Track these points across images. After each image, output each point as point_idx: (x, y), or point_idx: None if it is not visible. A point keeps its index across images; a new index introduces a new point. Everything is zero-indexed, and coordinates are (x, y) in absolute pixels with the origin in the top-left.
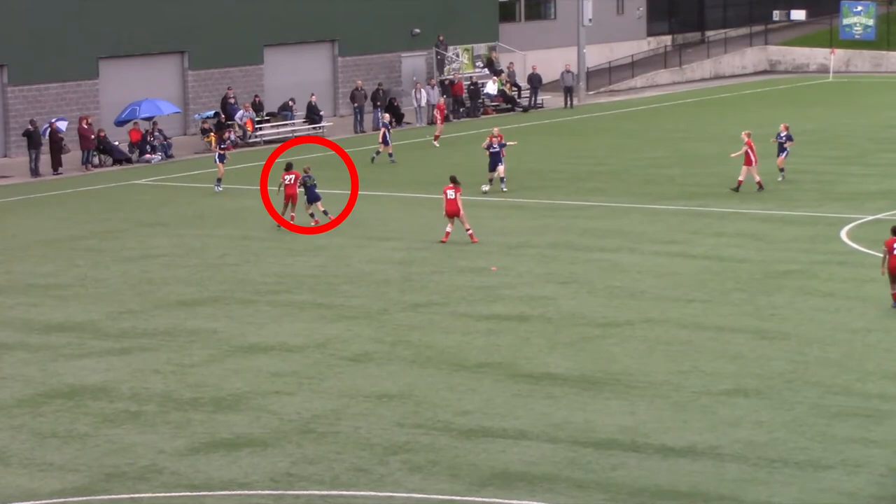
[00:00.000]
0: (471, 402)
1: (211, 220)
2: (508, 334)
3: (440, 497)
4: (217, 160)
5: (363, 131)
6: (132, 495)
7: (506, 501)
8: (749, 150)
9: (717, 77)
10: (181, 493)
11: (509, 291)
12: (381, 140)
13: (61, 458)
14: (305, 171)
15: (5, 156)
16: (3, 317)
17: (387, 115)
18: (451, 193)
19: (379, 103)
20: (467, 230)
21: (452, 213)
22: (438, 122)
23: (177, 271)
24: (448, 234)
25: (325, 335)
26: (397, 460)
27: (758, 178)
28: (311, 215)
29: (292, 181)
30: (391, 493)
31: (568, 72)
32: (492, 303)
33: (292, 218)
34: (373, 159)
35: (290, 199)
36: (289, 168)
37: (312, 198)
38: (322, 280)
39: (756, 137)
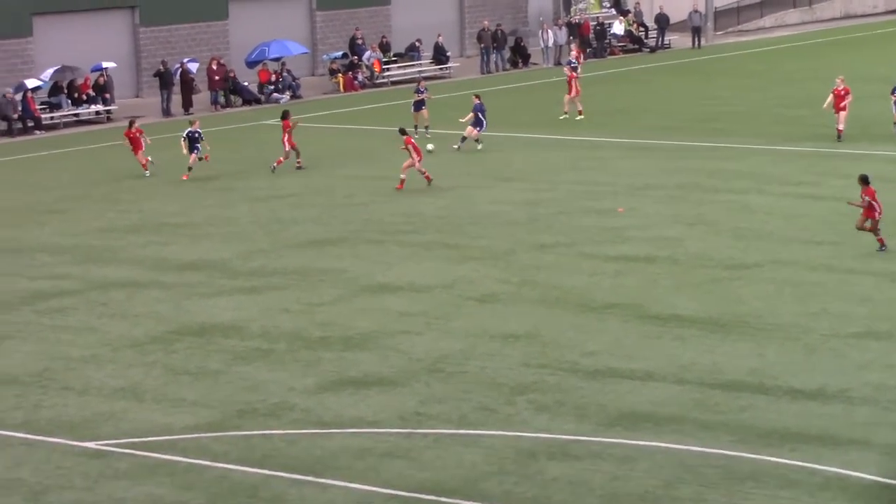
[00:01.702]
0: (597, 343)
1: (338, 159)
2: (635, 275)
3: (567, 437)
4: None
5: (489, 72)
6: (263, 431)
7: (632, 442)
8: (838, 97)
9: (847, 17)
10: (311, 430)
11: (636, 233)
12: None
13: (194, 394)
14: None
15: (137, 96)
16: (135, 255)
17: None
18: None
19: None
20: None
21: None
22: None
23: (305, 211)
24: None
25: (452, 275)
26: (524, 400)
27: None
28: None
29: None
30: (518, 433)
31: (696, 12)
32: (618, 244)
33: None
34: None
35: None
36: None
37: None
38: (448, 221)
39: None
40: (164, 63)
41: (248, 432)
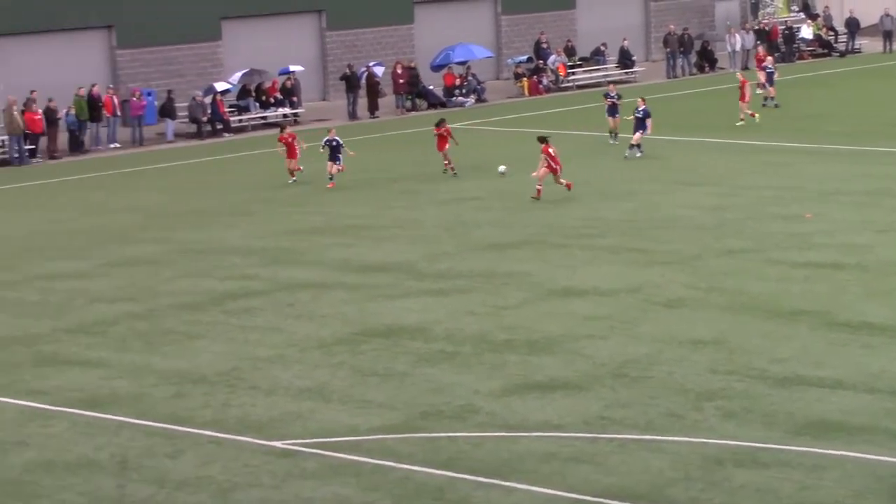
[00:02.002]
0: (786, 350)
1: (521, 163)
2: (824, 282)
3: (754, 444)
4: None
5: (675, 76)
6: (449, 434)
7: (822, 451)
8: None
9: None
10: (496, 433)
11: (824, 239)
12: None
13: (380, 395)
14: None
15: (324, 99)
16: (321, 256)
17: (769, 59)
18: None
19: (682, 48)
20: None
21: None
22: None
23: (489, 214)
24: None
25: (637, 280)
26: (711, 406)
27: None
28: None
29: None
30: (705, 439)
31: (887, 16)
32: (806, 250)
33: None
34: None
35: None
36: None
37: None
38: (633, 225)
39: None
40: (350, 67)
41: (433, 434)
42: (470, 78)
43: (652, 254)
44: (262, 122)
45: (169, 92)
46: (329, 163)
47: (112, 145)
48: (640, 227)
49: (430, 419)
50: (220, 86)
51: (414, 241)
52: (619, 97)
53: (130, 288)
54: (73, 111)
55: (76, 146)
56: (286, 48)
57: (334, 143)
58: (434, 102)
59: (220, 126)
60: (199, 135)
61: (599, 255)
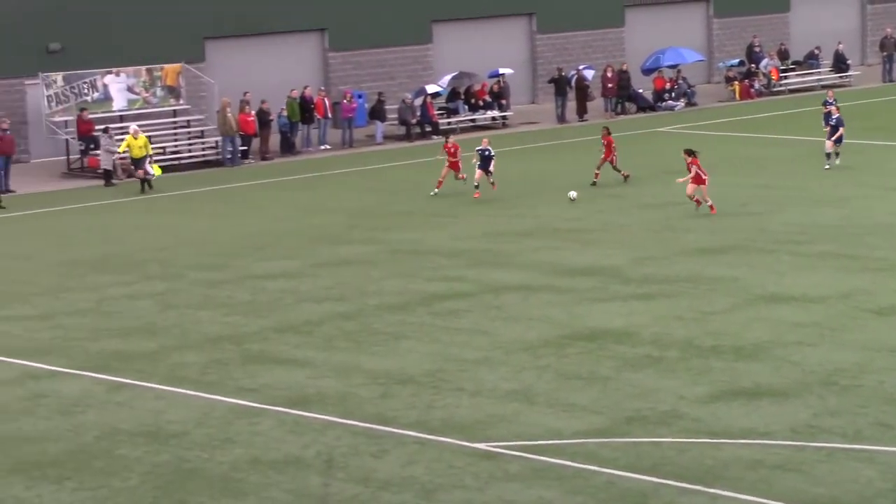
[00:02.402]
0: None
1: (732, 168)
2: None
3: None
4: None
5: (892, 80)
6: (653, 439)
7: None
8: None
9: None
10: (701, 440)
11: None
12: None
13: (584, 399)
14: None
15: (533, 102)
16: (529, 259)
17: None
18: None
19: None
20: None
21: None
22: None
23: (697, 219)
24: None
25: (848, 286)
26: None
27: None
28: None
29: None
30: None
31: None
32: None
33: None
34: None
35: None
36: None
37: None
38: (844, 231)
39: None
40: (559, 70)
41: (637, 439)
42: (680, 81)
43: (863, 260)
44: (471, 124)
45: (379, 94)
46: (479, 171)
47: (323, 147)
48: (850, 233)
49: (635, 424)
50: (430, 88)
51: (621, 245)
52: (835, 102)
53: (338, 288)
54: (285, 113)
55: (287, 147)
56: (496, 51)
57: (486, 153)
58: (643, 106)
59: (428, 128)
60: (407, 137)
61: (808, 260)
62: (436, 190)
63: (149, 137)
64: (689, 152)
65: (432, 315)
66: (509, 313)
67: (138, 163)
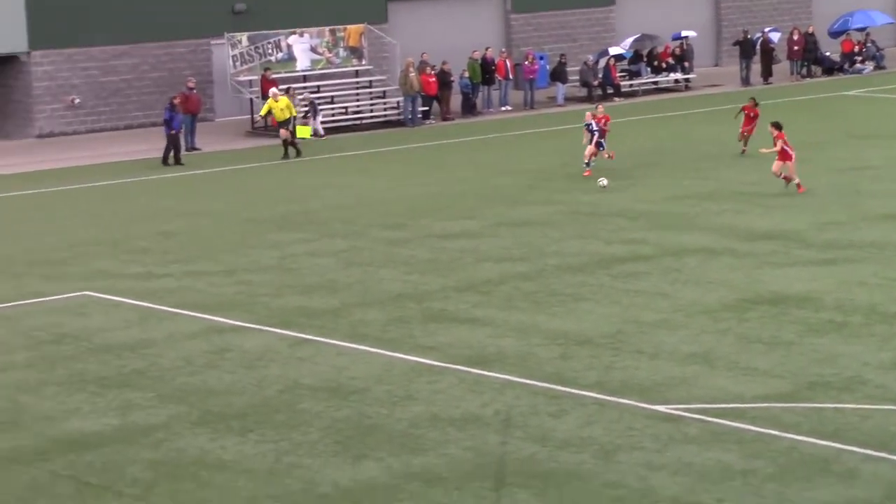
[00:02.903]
0: None
1: None
2: None
3: None
4: None
5: None
6: (835, 405)
7: None
8: None
9: None
10: (885, 406)
11: None
12: None
13: (765, 363)
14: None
15: (716, 65)
16: (710, 223)
17: None
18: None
19: None
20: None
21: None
22: None
23: (885, 184)
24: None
25: None
26: None
27: None
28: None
29: None
30: None
31: None
32: None
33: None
34: None
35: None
36: None
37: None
38: None
39: None
40: (744, 32)
41: (819, 405)
42: (869, 44)
43: None
44: (654, 87)
45: (561, 56)
46: (590, 147)
47: (504, 108)
48: None
49: (817, 389)
50: (613, 50)
51: (804, 210)
52: None
53: (518, 248)
54: (466, 74)
55: (468, 108)
56: (679, 13)
57: (595, 128)
58: (830, 69)
59: (610, 90)
60: (589, 98)
61: None
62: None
63: (311, 98)
64: (776, 125)
65: (612, 277)
66: (689, 276)
67: (284, 125)
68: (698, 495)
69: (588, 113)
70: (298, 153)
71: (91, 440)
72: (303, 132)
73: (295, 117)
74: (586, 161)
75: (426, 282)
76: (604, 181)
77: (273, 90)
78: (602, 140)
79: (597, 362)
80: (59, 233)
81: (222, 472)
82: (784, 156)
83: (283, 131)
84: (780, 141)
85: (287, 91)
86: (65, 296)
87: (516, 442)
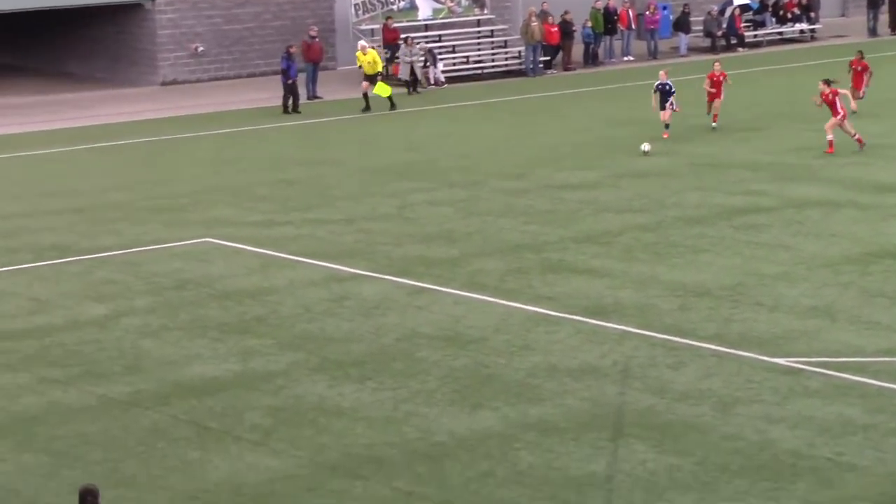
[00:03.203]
0: None
1: None
2: None
3: None
4: None
5: None
6: None
7: None
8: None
9: None
10: None
11: None
12: None
13: (888, 317)
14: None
15: (843, 15)
16: (834, 174)
17: None
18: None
19: None
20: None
21: None
22: None
23: None
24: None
25: None
26: None
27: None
28: None
29: None
30: None
31: None
32: None
33: None
34: None
35: None
36: None
37: None
38: None
39: None
40: None
41: None
42: None
43: None
44: (778, 37)
45: (684, 6)
46: (661, 111)
47: (626, 58)
48: None
49: None
50: (738, 0)
51: None
52: None
53: (638, 200)
54: (588, 24)
55: (590, 58)
56: None
57: (666, 88)
58: None
59: (734, 41)
60: (712, 49)
61: None
62: (714, 124)
63: (428, 47)
64: (827, 82)
65: (733, 229)
66: (811, 229)
67: (372, 79)
68: (818, 449)
69: (661, 72)
70: (392, 106)
71: (211, 385)
72: (381, 90)
73: (380, 73)
74: (666, 124)
75: (545, 232)
76: (647, 146)
77: (361, 42)
78: (672, 98)
79: (716, 314)
80: (181, 180)
81: (340, 418)
82: (835, 113)
83: (364, 83)
84: (835, 97)
85: (406, 41)
86: (187, 242)
87: (634, 393)
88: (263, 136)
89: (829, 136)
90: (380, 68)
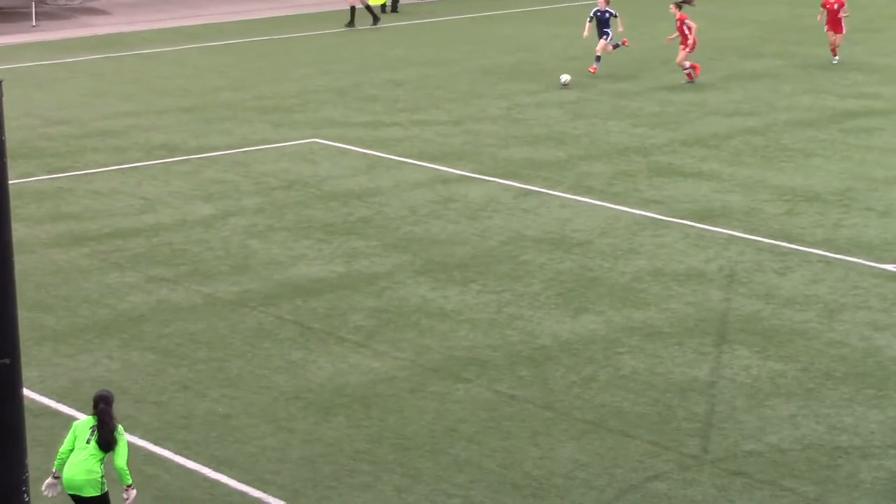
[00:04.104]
0: None
1: None
2: None
3: None
4: None
5: None
6: None
7: None
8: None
9: None
10: None
11: None
12: None
13: None
14: None
15: None
16: None
17: None
18: None
19: None
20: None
21: None
22: None
23: None
24: None
25: None
26: None
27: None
28: None
29: None
30: None
31: None
32: None
33: None
34: None
35: None
36: None
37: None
38: None
39: None
40: None
41: None
42: None
43: None
44: None
45: None
46: (601, 41)
47: None
48: None
49: None
50: None
51: None
52: None
53: (748, 102)
54: None
55: None
56: None
57: (603, 15)
58: None
59: None
60: None
61: None
62: (835, 58)
63: None
64: (678, 5)
65: (843, 132)
66: None
67: None
68: None
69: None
70: (375, 19)
71: (316, 286)
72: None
73: None
74: (598, 56)
75: (653, 135)
76: (566, 77)
77: None
78: (607, 29)
79: (824, 219)
80: (289, 80)
81: (443, 321)
82: (686, 41)
83: None
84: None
85: None
86: (294, 142)
87: (739, 298)
88: (367, 37)
89: (685, 67)
90: None
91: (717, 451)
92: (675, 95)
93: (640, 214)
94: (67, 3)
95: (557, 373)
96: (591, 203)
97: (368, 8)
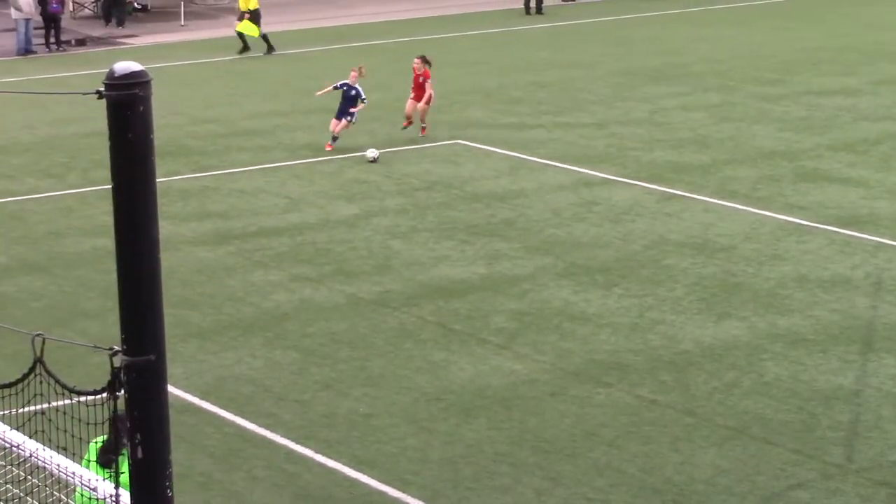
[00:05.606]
0: None
1: None
2: None
3: None
4: None
5: None
6: None
7: None
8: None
9: None
10: None
11: None
12: None
13: None
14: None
15: None
16: None
17: None
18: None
19: None
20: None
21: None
22: None
23: None
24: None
25: None
26: None
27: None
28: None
29: None
30: None
31: None
32: None
33: None
34: None
35: None
36: None
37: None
38: None
39: None
40: None
41: None
42: None
43: None
44: None
45: None
46: (334, 120)
47: None
48: None
49: None
50: None
51: None
52: None
53: None
54: None
55: None
56: None
57: (345, 88)
58: None
59: None
60: None
61: None
62: None
63: None
64: (425, 60)
65: None
66: None
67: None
68: None
69: (352, 73)
70: (246, 48)
71: (458, 287)
72: (246, 28)
73: (248, 12)
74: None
75: (800, 139)
76: (372, 153)
77: None
78: (353, 110)
79: None
80: (434, 81)
81: (585, 324)
82: (419, 96)
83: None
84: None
85: None
86: (438, 144)
87: (886, 306)
88: (511, 39)
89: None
90: (252, 5)
91: (861, 461)
92: (823, 100)
93: (784, 220)
94: (216, 2)
95: (699, 378)
96: (735, 208)
97: (263, 37)
